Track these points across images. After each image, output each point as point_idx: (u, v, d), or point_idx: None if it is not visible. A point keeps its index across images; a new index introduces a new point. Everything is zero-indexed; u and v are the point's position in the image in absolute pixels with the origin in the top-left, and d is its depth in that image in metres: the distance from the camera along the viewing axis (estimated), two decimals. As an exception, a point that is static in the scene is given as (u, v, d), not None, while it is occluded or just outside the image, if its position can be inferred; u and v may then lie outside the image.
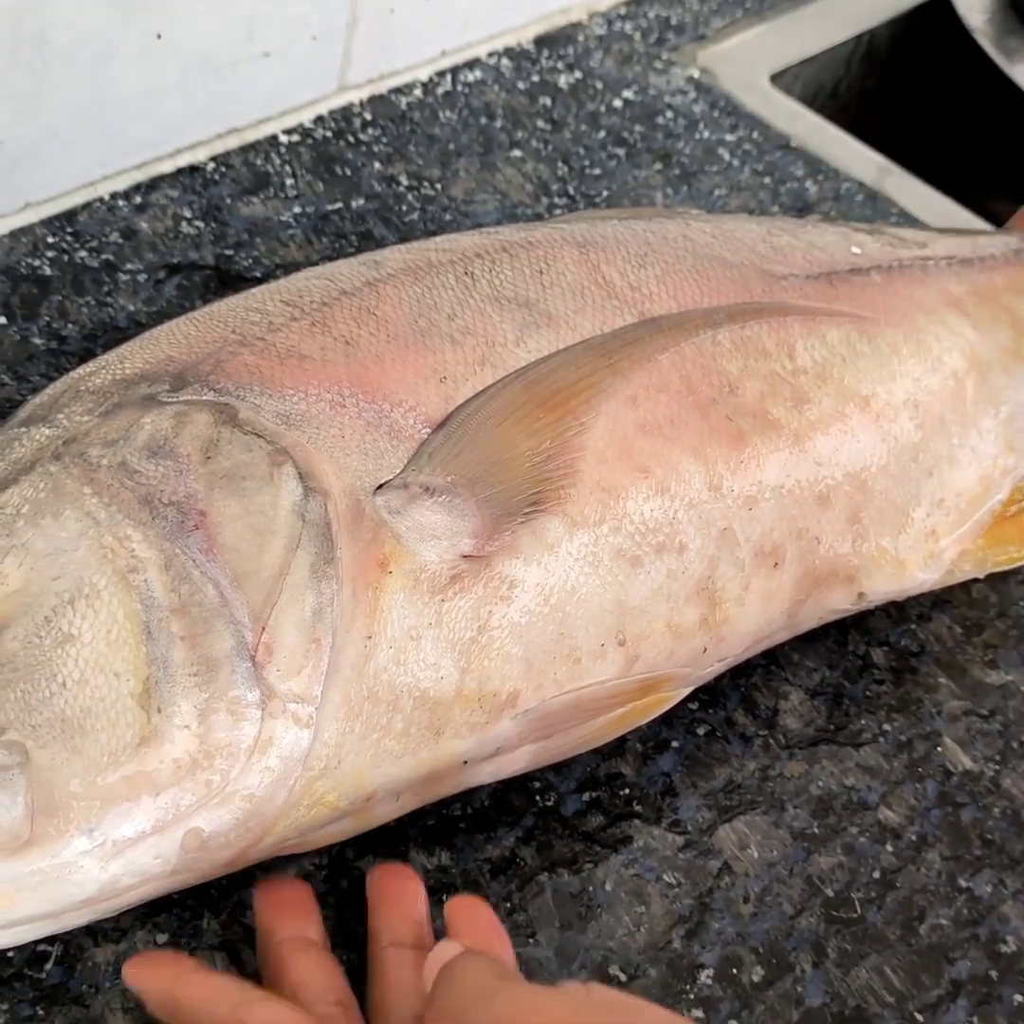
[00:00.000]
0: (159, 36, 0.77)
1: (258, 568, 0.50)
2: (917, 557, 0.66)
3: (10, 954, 0.53)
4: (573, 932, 0.57)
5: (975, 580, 0.72)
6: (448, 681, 0.52)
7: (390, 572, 0.52)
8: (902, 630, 0.70)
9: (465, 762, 0.54)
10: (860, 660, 0.69)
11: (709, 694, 0.65)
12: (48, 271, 0.76)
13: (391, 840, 0.58)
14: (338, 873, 0.57)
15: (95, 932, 0.54)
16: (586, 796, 0.61)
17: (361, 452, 0.53)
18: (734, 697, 0.66)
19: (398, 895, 0.55)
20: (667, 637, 0.58)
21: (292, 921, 0.53)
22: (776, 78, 1.05)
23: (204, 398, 0.53)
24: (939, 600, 0.72)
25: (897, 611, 0.70)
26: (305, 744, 0.49)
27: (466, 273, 0.61)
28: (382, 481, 0.53)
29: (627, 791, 0.62)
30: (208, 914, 0.55)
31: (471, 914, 0.55)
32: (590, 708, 0.56)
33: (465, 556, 0.53)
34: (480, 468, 0.54)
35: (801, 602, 0.63)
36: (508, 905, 0.57)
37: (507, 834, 0.59)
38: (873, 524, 0.64)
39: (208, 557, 0.49)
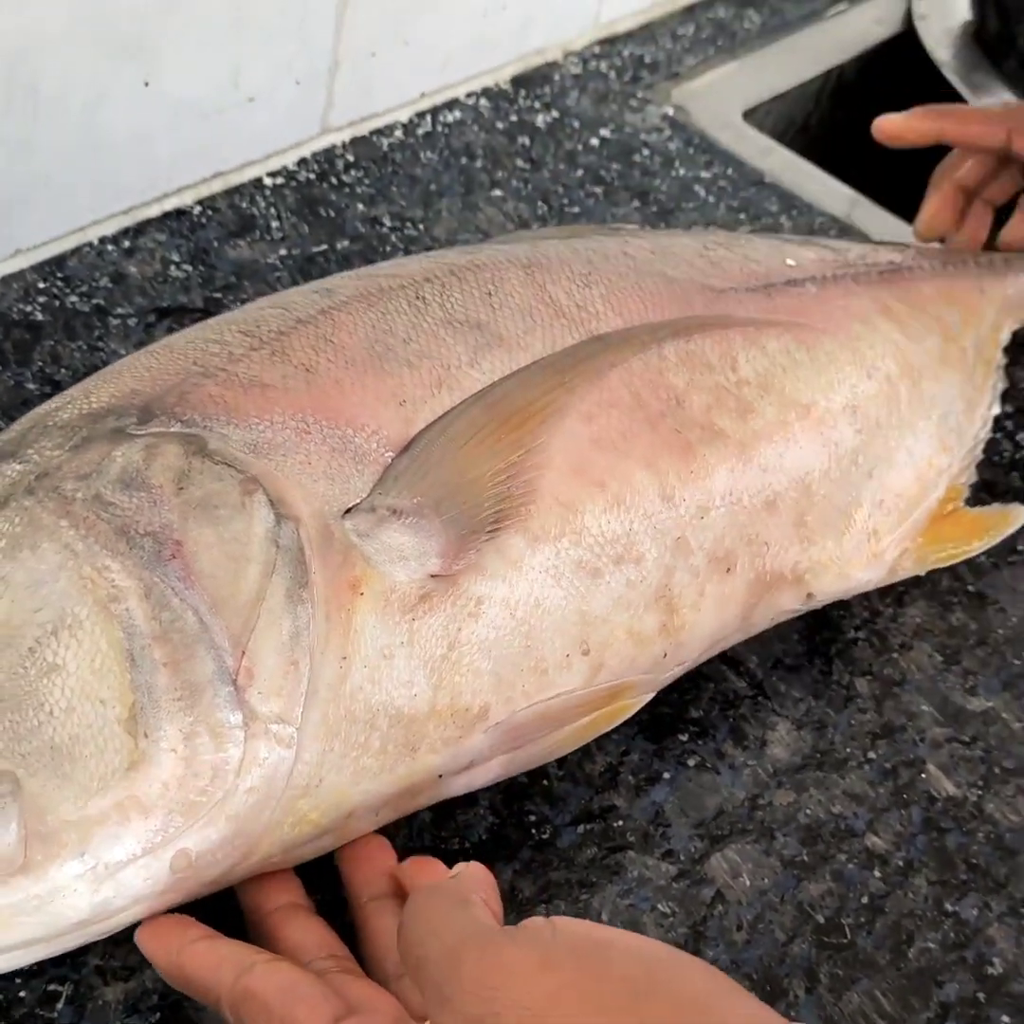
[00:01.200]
0: (147, 83, 0.78)
1: (235, 594, 0.51)
2: (861, 557, 0.69)
3: (22, 994, 0.53)
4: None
5: (953, 608, 0.74)
6: (422, 698, 0.54)
7: (361, 594, 0.53)
8: (885, 659, 0.72)
9: (440, 776, 0.56)
10: (844, 690, 0.70)
11: (699, 726, 0.67)
12: (40, 316, 0.77)
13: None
14: (343, 907, 0.58)
15: (105, 972, 0.54)
16: (581, 828, 0.62)
17: (328, 477, 0.55)
18: (723, 728, 0.67)
19: (368, 855, 0.57)
20: (629, 644, 0.60)
21: (276, 892, 0.55)
22: (748, 114, 1.07)
23: (172, 430, 0.54)
24: (920, 629, 0.73)
25: (879, 641, 0.72)
26: (288, 764, 0.51)
27: (418, 297, 0.63)
28: (350, 505, 0.55)
29: (621, 823, 0.63)
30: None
31: (427, 868, 0.56)
32: (558, 718, 0.58)
33: (433, 575, 0.55)
34: (445, 489, 0.56)
35: (754, 604, 0.65)
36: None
37: (505, 867, 0.60)
38: (818, 527, 0.67)
39: (186, 585, 0.51)
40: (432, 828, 0.61)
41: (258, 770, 0.50)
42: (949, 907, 0.63)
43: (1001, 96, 1.11)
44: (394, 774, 0.54)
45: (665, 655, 0.62)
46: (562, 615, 0.58)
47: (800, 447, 0.67)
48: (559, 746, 0.60)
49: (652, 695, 0.62)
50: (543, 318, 0.64)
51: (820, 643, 0.71)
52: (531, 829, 0.62)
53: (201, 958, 0.50)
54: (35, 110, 0.74)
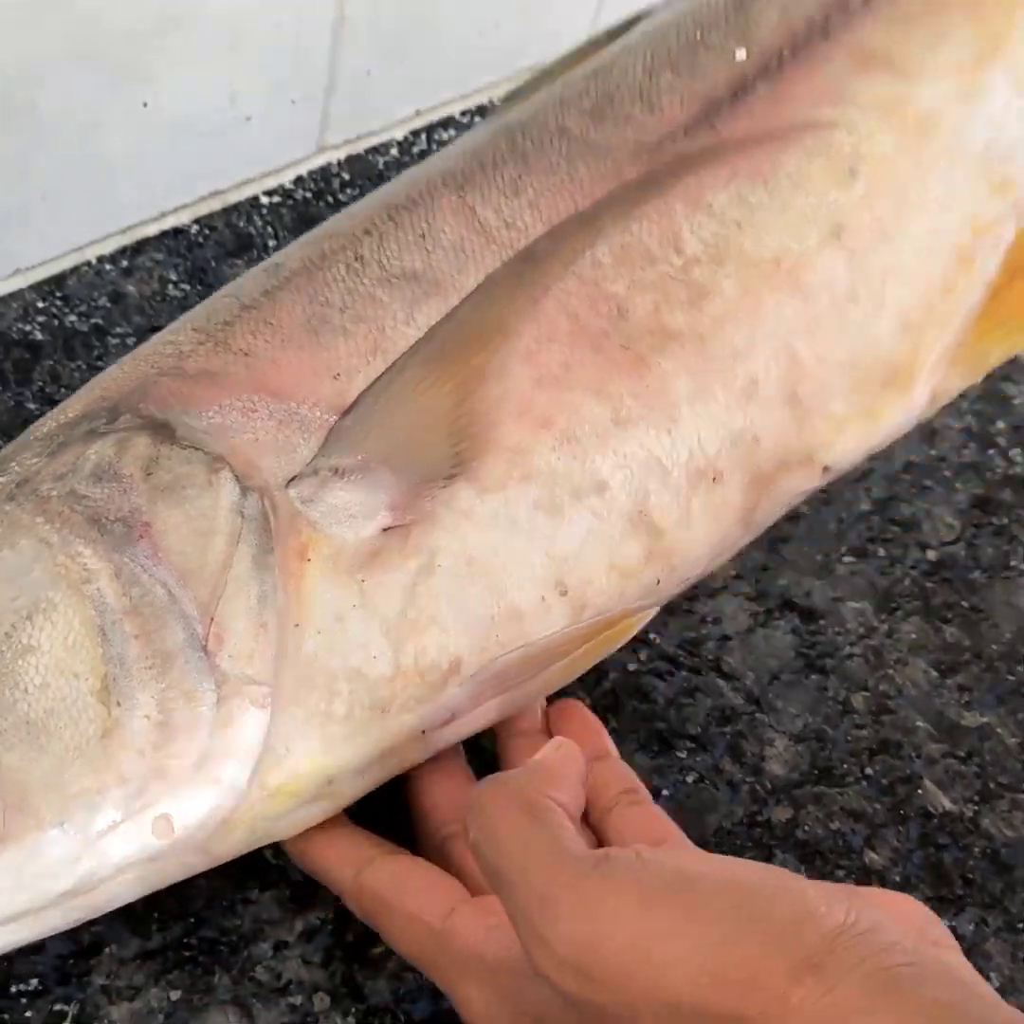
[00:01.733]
0: (146, 104, 0.79)
1: (202, 566, 0.52)
2: (886, 403, 0.62)
3: (28, 1014, 0.54)
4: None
5: (948, 623, 0.75)
6: (383, 659, 0.53)
7: (309, 560, 0.53)
8: (880, 675, 0.72)
9: (422, 731, 0.55)
10: (841, 705, 0.70)
11: (697, 742, 0.67)
12: (39, 336, 0.78)
13: (394, 893, 0.59)
14: (343, 925, 0.58)
15: (110, 991, 0.55)
16: (581, 845, 0.63)
17: (275, 451, 0.55)
18: (721, 744, 0.68)
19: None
20: (613, 577, 0.57)
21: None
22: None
23: (139, 424, 0.56)
24: (914, 645, 0.74)
25: (875, 656, 0.73)
26: (264, 724, 0.51)
27: (356, 258, 0.60)
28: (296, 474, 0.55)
29: (620, 839, 0.63)
30: (219, 970, 0.56)
31: (568, 713, 0.61)
32: (543, 659, 0.57)
33: (384, 529, 0.54)
34: (390, 445, 0.55)
35: (756, 503, 0.61)
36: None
37: (506, 884, 0.61)
38: (817, 396, 0.60)
39: (154, 561, 0.52)
40: (433, 846, 0.61)
41: (233, 731, 0.51)
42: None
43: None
44: (367, 737, 0.54)
45: (658, 581, 0.59)
46: (526, 558, 0.56)
47: (774, 313, 0.59)
48: (561, 677, 0.58)
49: (656, 610, 0.60)
50: (474, 249, 0.60)
51: (816, 658, 0.72)
52: (532, 847, 0.62)
53: (320, 854, 0.55)
54: (34, 131, 0.74)
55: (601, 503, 0.57)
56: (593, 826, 0.58)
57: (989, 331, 0.62)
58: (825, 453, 0.61)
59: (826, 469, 0.61)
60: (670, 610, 0.71)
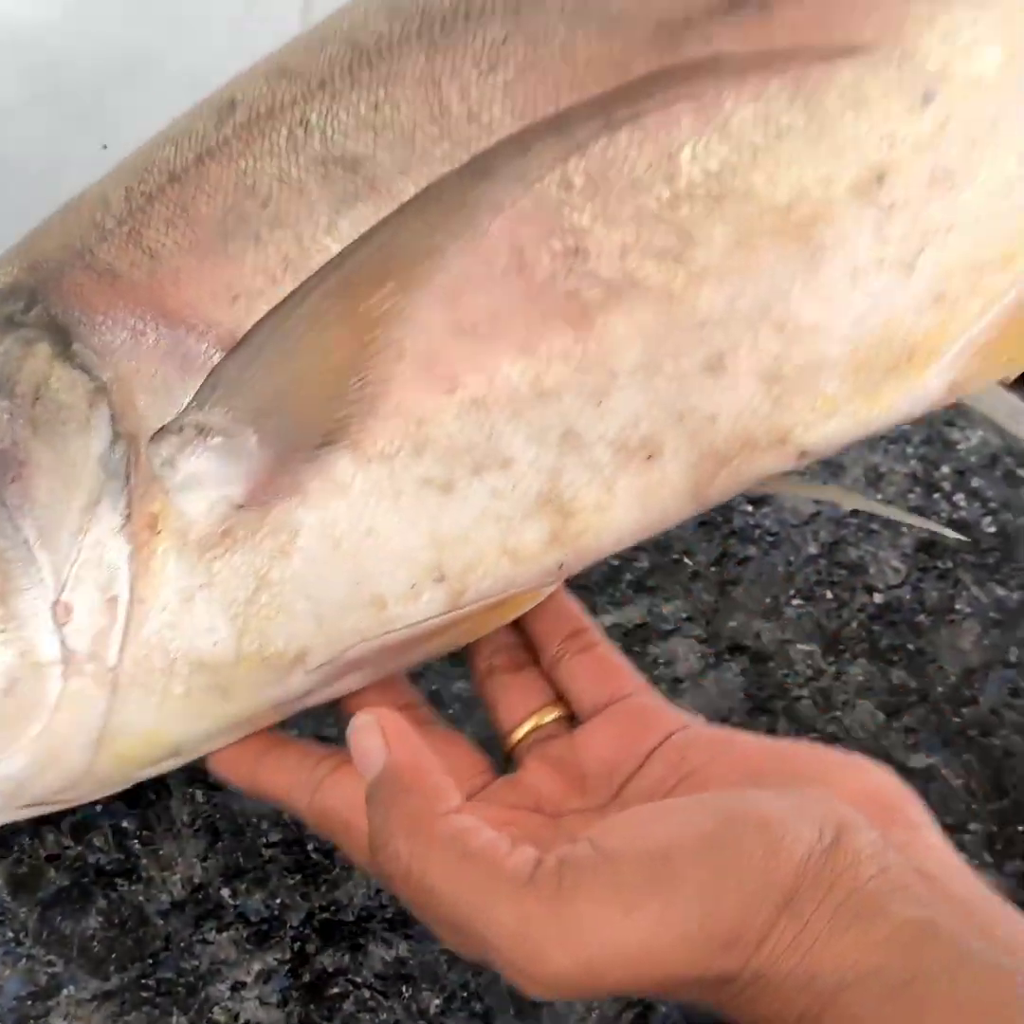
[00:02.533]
0: (105, 146, 0.79)
1: (62, 524, 0.48)
2: (891, 387, 0.51)
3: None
4: (528, 1018, 0.59)
5: (895, 666, 0.76)
6: (225, 644, 0.50)
7: (159, 532, 0.49)
8: (828, 717, 0.73)
9: (274, 706, 0.52)
10: (790, 747, 0.72)
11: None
12: (-3, 375, 0.78)
13: (350, 934, 0.60)
14: (300, 965, 0.59)
15: (68, 1032, 0.55)
16: (535, 885, 0.64)
17: (151, 390, 0.49)
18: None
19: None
20: (504, 563, 0.51)
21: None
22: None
23: (45, 321, 0.51)
24: (862, 687, 0.75)
25: (823, 698, 0.74)
26: (103, 702, 0.49)
27: (300, 123, 0.49)
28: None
29: (574, 880, 0.64)
30: (177, 1011, 0.57)
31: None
32: (408, 646, 0.52)
33: (238, 506, 0.49)
34: (266, 399, 0.47)
35: (708, 481, 0.52)
36: (465, 993, 0.60)
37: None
38: (805, 373, 0.50)
39: (19, 511, 0.48)
40: (390, 887, 0.62)
41: (76, 705, 0.49)
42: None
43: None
44: (208, 718, 0.51)
45: (561, 566, 0.52)
46: (405, 542, 0.49)
47: (767, 276, 0.48)
48: (440, 648, 0.54)
49: (556, 585, 0.54)
50: (424, 143, 0.48)
51: (764, 701, 0.73)
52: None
53: (272, 780, 0.52)
54: (-5, 174, 0.75)
55: (504, 481, 0.50)
56: (545, 674, 0.56)
57: None
58: (805, 436, 0.51)
59: (803, 453, 0.52)
60: (624, 651, 0.72)
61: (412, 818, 0.44)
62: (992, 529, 0.85)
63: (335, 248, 0.47)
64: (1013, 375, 0.51)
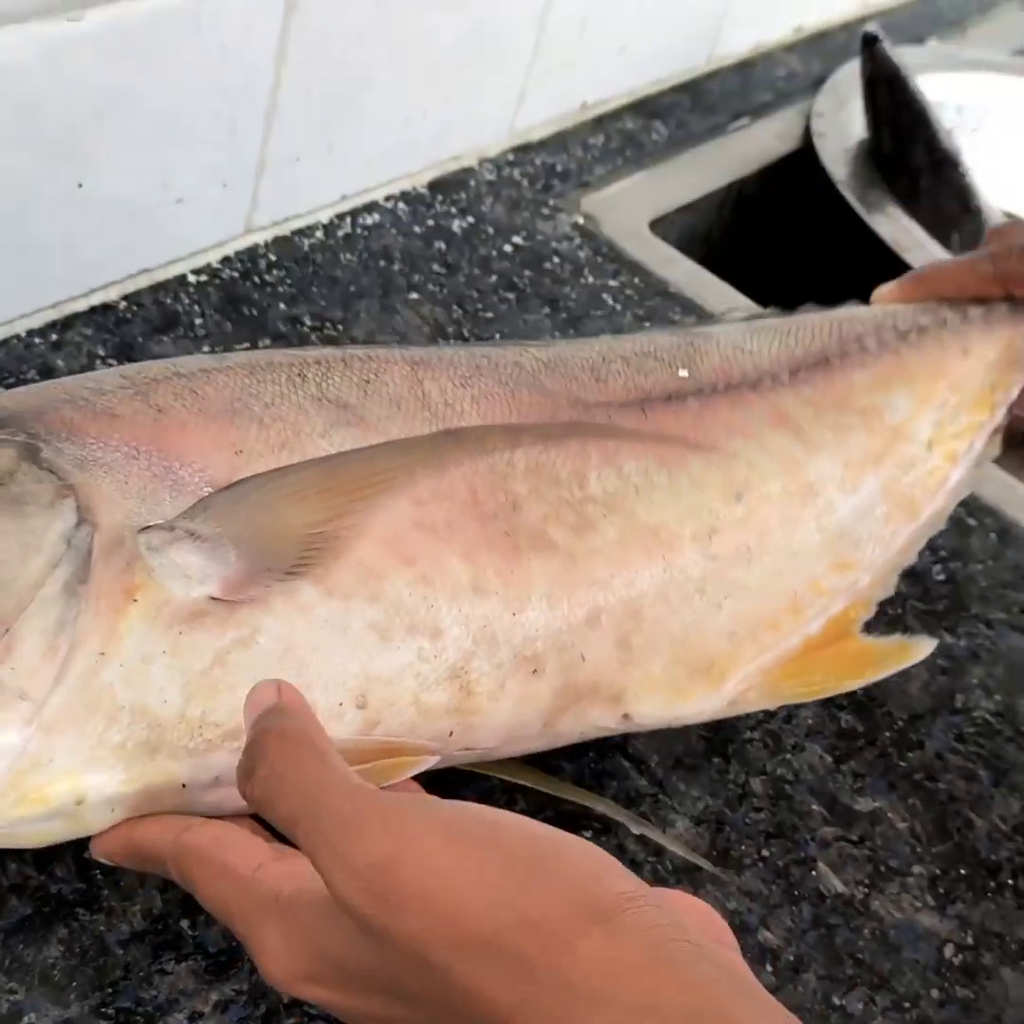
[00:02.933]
0: (80, 185, 0.81)
1: (16, 577, 0.54)
2: (697, 687, 0.67)
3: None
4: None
5: (844, 710, 0.78)
6: (171, 705, 0.56)
7: (136, 600, 0.56)
8: (778, 760, 0.75)
9: (183, 785, 0.57)
10: (740, 788, 0.73)
11: (602, 822, 0.70)
12: (-32, 407, 0.79)
13: (307, 966, 0.61)
14: (258, 997, 0.60)
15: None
16: (489, 921, 0.65)
17: (139, 497, 0.58)
18: (625, 826, 0.70)
19: None
20: (412, 711, 0.60)
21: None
22: (654, 224, 1.11)
23: (16, 439, 0.58)
24: (811, 730, 0.77)
25: (773, 741, 0.76)
26: (23, 739, 0.54)
27: (299, 374, 0.65)
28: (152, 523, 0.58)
29: (527, 916, 0.65)
30: (135, 1041, 0.58)
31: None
32: None
33: (213, 598, 0.57)
34: (250, 528, 0.58)
35: (561, 711, 0.64)
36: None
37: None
38: (644, 650, 0.65)
39: None
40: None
41: None
42: (836, 1001, 0.66)
43: (893, 213, 1.17)
44: (130, 772, 0.56)
45: (451, 733, 0.62)
46: (342, 665, 0.59)
47: (636, 571, 0.66)
48: None
49: (435, 760, 0.61)
50: (409, 409, 0.65)
51: (718, 743, 0.75)
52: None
53: (146, 828, 0.56)
54: (-30, 209, 0.76)
55: (430, 647, 0.60)
56: None
57: (793, 675, 0.70)
58: (631, 701, 0.66)
59: (626, 716, 0.66)
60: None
61: (286, 730, 0.50)
62: (941, 576, 0.87)
63: (326, 447, 0.62)
64: (775, 706, 0.71)
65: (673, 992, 0.41)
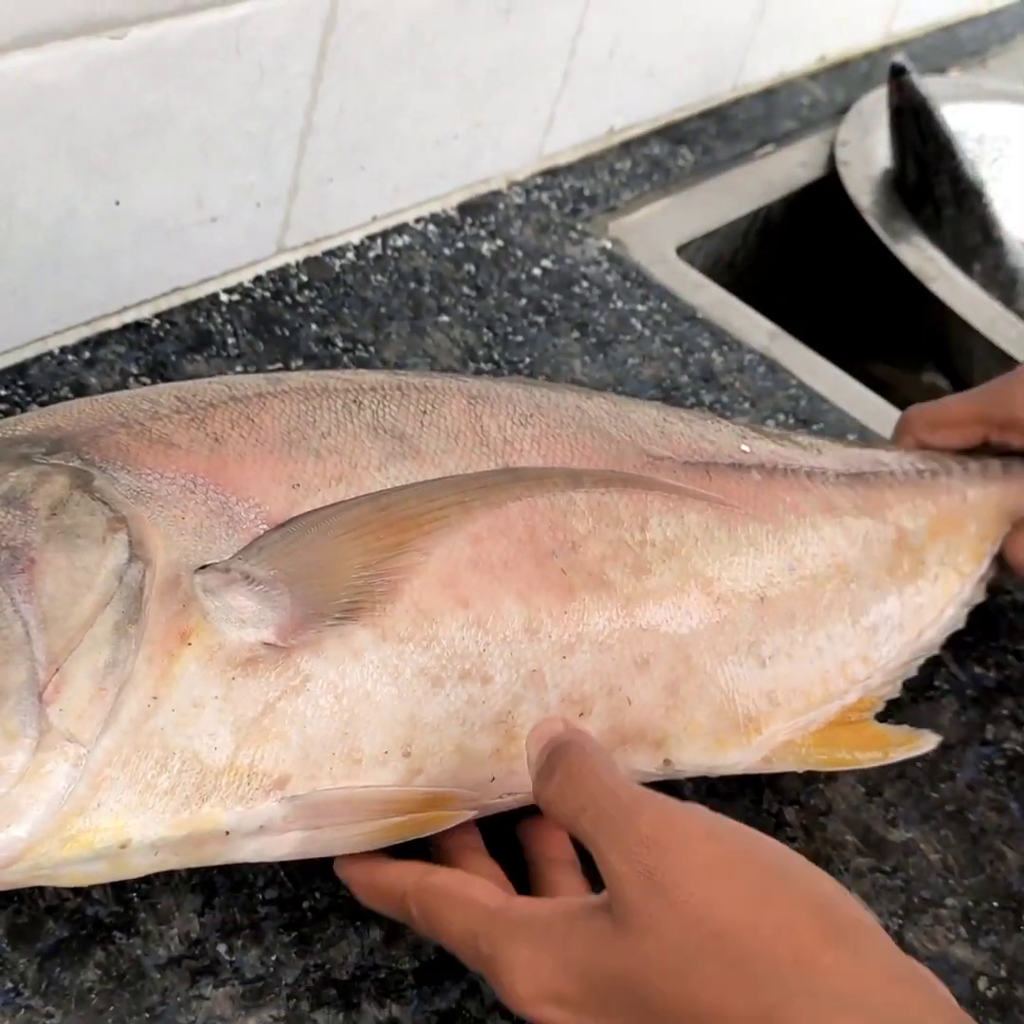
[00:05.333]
0: (117, 203, 0.81)
1: (67, 616, 0.54)
2: (735, 739, 0.68)
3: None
4: (517, 1082, 0.60)
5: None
6: (222, 752, 0.56)
7: (190, 644, 0.55)
8: (811, 789, 0.75)
9: (227, 832, 0.57)
10: (774, 818, 0.73)
11: (637, 851, 0.69)
12: (2, 424, 0.79)
13: (344, 993, 0.60)
14: (295, 1023, 0.60)
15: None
16: (525, 949, 0.64)
17: (196, 534, 0.58)
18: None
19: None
20: (455, 759, 0.60)
21: (458, 832, 0.62)
22: (681, 250, 1.11)
23: (70, 464, 0.58)
24: (844, 761, 0.76)
25: (807, 772, 0.75)
26: (70, 781, 0.53)
27: (355, 401, 0.65)
28: (208, 563, 0.57)
29: (563, 944, 0.65)
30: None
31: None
32: (362, 808, 0.59)
33: (266, 644, 0.57)
34: (305, 569, 0.58)
35: None
36: (456, 1056, 0.61)
37: (453, 987, 0.62)
38: (691, 698, 0.66)
39: (25, 598, 0.54)
40: (383, 947, 0.63)
41: (40, 780, 0.52)
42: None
43: (918, 242, 1.17)
44: (177, 818, 0.55)
45: (493, 779, 0.62)
46: (391, 713, 0.59)
47: (690, 618, 0.66)
48: (364, 840, 0.59)
49: (472, 814, 0.62)
50: (467, 443, 0.65)
51: (751, 774, 0.74)
52: (478, 950, 0.64)
53: (389, 870, 0.58)
54: (9, 225, 0.76)
55: (480, 692, 0.61)
56: None
57: (819, 744, 0.71)
58: (673, 747, 0.66)
59: (667, 762, 0.67)
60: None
61: (582, 744, 0.56)
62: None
63: (383, 482, 0.61)
64: (802, 769, 0.72)
65: (916, 1010, 0.47)
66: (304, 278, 0.94)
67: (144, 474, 0.59)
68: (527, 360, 0.94)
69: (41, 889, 0.60)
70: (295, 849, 0.59)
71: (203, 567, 0.57)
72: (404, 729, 0.59)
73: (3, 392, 0.80)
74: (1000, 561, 0.82)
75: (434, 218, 1.03)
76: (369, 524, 0.59)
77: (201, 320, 0.89)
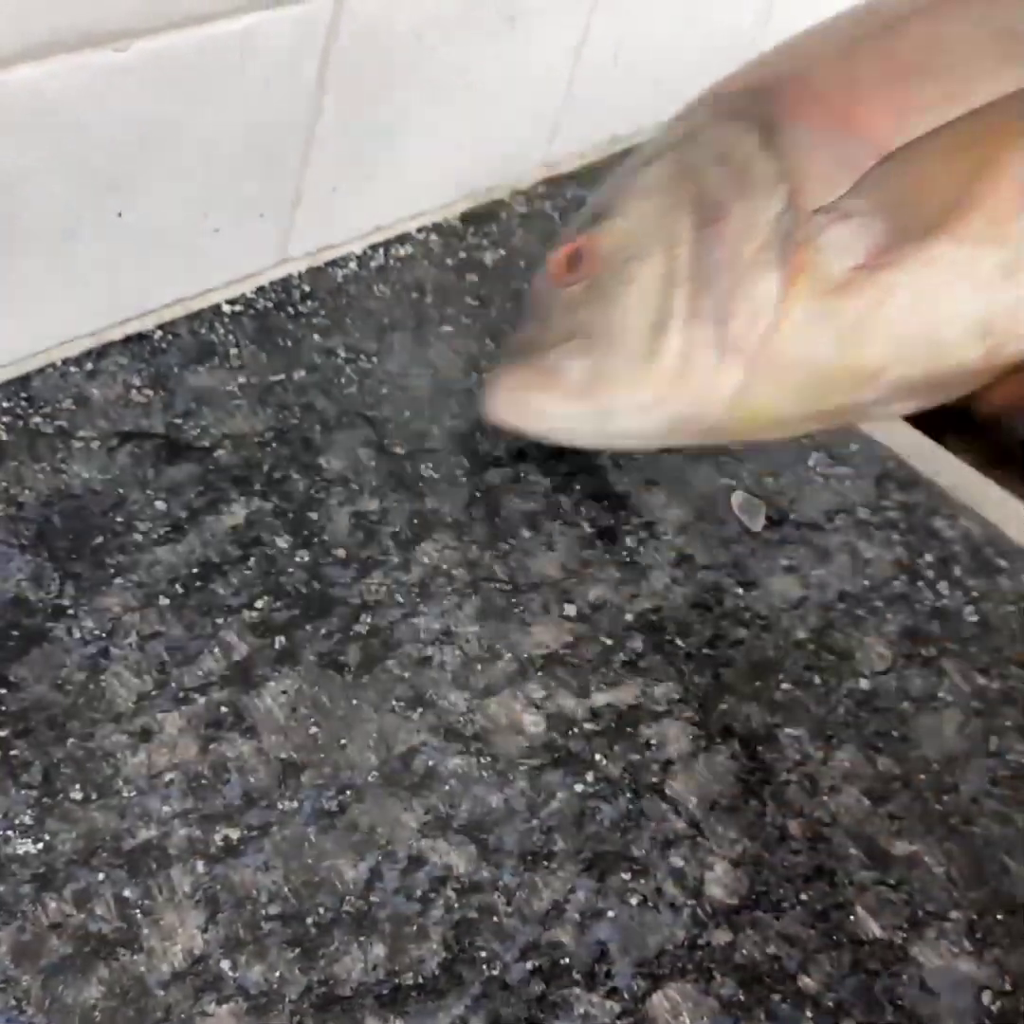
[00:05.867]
0: (120, 214, 0.80)
1: (738, 258, 0.68)
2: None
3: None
4: (521, 1099, 0.60)
5: (880, 753, 0.77)
6: (829, 355, 0.69)
7: (804, 272, 0.67)
8: (815, 802, 0.75)
9: (846, 407, 0.73)
10: (778, 831, 0.73)
11: (640, 865, 0.69)
12: (4, 436, 0.79)
13: (347, 1009, 0.60)
14: (297, 1041, 0.59)
15: None
16: (529, 964, 0.64)
17: (823, 180, 0.67)
18: (663, 867, 0.69)
19: None
20: None
21: None
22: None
23: (760, 119, 0.70)
24: (848, 773, 0.76)
25: (810, 784, 0.75)
26: (740, 376, 0.70)
27: (987, 9, 0.69)
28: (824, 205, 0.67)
29: (566, 960, 0.65)
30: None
31: None
32: (948, 383, 0.71)
33: (858, 267, 0.67)
34: (896, 196, 0.65)
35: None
36: (459, 1072, 0.60)
37: (456, 1002, 0.62)
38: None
39: (717, 245, 0.69)
40: (386, 962, 0.62)
41: (719, 376, 0.70)
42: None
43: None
44: (810, 405, 0.72)
45: None
46: (969, 306, 0.67)
47: None
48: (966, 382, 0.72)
49: None
50: None
51: (755, 784, 0.74)
52: (482, 964, 0.64)
53: None
54: (13, 235, 0.76)
55: None
56: None
57: None
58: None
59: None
60: (616, 733, 0.73)
61: None
62: (974, 618, 0.87)
63: (993, 89, 0.64)
64: None
65: None
66: (307, 288, 0.94)
67: (801, 126, 0.68)
68: (530, 370, 0.94)
69: (44, 905, 0.60)
70: (906, 410, 0.77)
71: (818, 209, 0.67)
72: (980, 316, 0.67)
73: (6, 403, 0.80)
74: None
75: (437, 227, 1.03)
76: (961, 147, 0.64)
77: (204, 331, 0.89)
